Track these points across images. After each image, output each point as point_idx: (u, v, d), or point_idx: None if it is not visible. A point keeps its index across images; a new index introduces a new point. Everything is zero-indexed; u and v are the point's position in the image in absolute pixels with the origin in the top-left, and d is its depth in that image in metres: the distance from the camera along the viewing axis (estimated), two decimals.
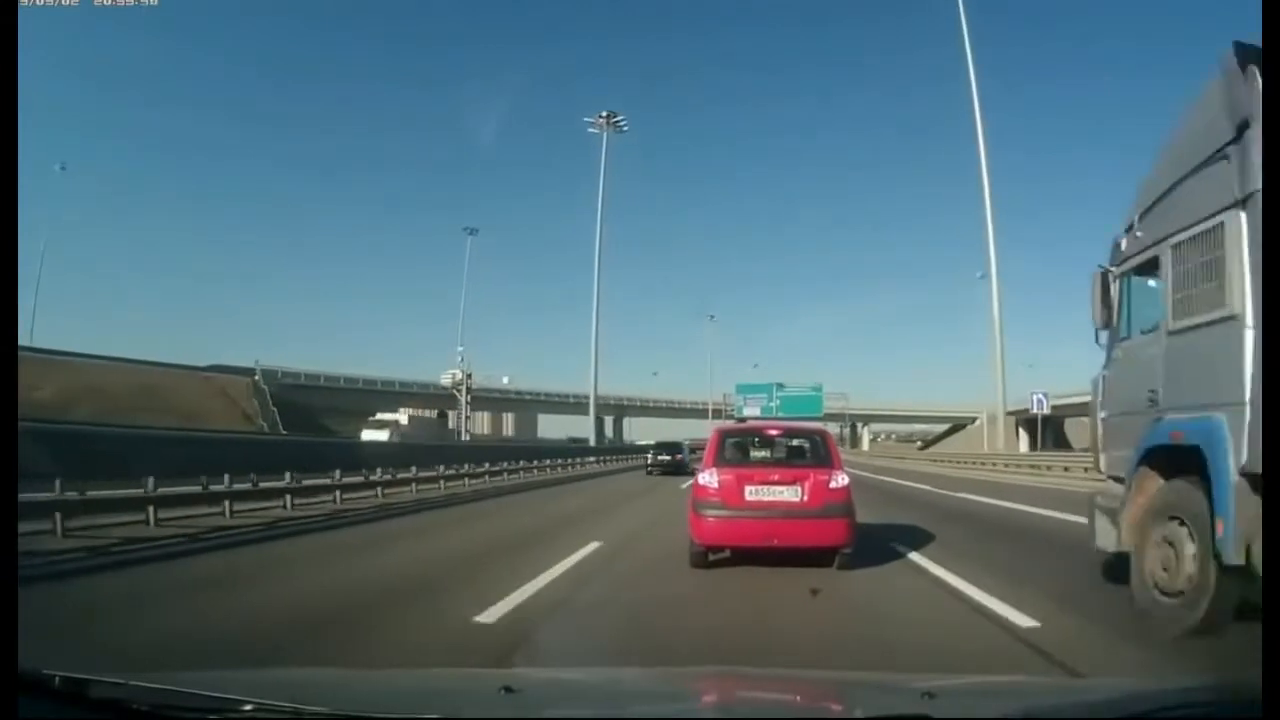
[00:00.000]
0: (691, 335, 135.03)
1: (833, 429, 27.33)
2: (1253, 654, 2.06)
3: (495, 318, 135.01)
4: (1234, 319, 4.67)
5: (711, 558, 7.99)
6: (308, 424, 49.16)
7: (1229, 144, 4.75)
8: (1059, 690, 2.85)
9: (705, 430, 71.64)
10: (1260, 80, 4.17)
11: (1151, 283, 5.88)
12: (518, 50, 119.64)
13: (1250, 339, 4.50)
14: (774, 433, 9.73)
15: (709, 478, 7.91)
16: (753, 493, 7.70)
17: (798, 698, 2.46)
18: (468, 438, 58.71)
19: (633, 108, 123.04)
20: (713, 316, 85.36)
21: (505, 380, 67.29)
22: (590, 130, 41.98)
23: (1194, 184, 5.21)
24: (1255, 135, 4.32)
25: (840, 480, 7.76)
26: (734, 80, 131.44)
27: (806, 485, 7.67)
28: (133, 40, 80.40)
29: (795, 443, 9.08)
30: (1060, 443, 63.50)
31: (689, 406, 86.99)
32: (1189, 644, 4.70)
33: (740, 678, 2.94)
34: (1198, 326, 5.10)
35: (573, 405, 79.97)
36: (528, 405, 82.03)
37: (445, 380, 62.53)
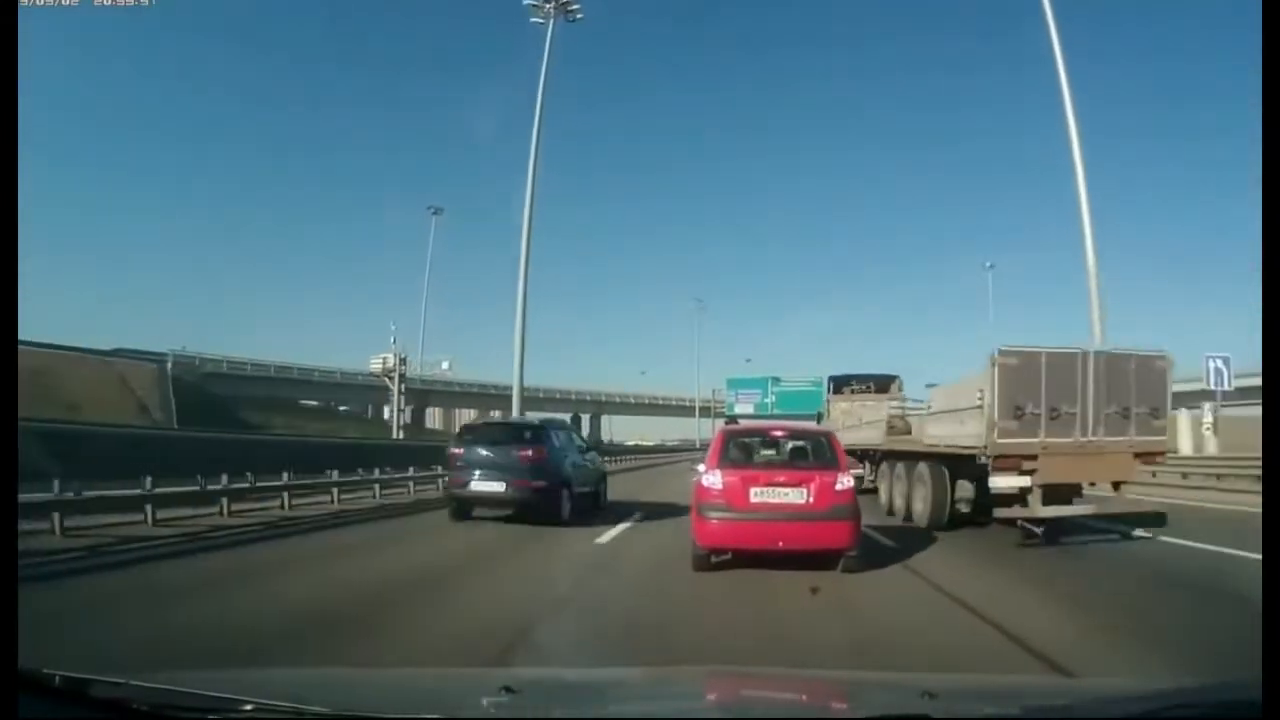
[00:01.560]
0: (681, 335, 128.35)
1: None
2: (1252, 654, 2.06)
3: (472, 312, 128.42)
4: (825, 417, 22.45)
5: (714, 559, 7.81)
6: (224, 418, 44.13)
7: (830, 397, 23.87)
8: (1058, 690, 2.85)
9: (692, 430, 69.16)
10: (830, 389, 24.27)
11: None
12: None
13: (838, 425, 17.57)
14: (778, 434, 9.60)
15: (713, 479, 7.75)
16: (757, 494, 7.62)
17: (798, 697, 2.46)
18: (401, 435, 48.70)
19: (620, 94, 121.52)
20: (700, 301, 76.55)
21: (445, 365, 56.20)
22: (534, 21, 31.47)
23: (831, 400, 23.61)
24: (829, 399, 23.85)
25: (846, 482, 7.73)
26: (723, 62, 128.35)
27: (812, 487, 7.58)
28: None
29: (800, 444, 8.95)
30: None
31: (675, 404, 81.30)
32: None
33: (740, 677, 2.95)
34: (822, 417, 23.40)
35: (542, 400, 73.26)
36: (493, 400, 74.36)
37: (375, 367, 51.50)
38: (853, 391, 19.98)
